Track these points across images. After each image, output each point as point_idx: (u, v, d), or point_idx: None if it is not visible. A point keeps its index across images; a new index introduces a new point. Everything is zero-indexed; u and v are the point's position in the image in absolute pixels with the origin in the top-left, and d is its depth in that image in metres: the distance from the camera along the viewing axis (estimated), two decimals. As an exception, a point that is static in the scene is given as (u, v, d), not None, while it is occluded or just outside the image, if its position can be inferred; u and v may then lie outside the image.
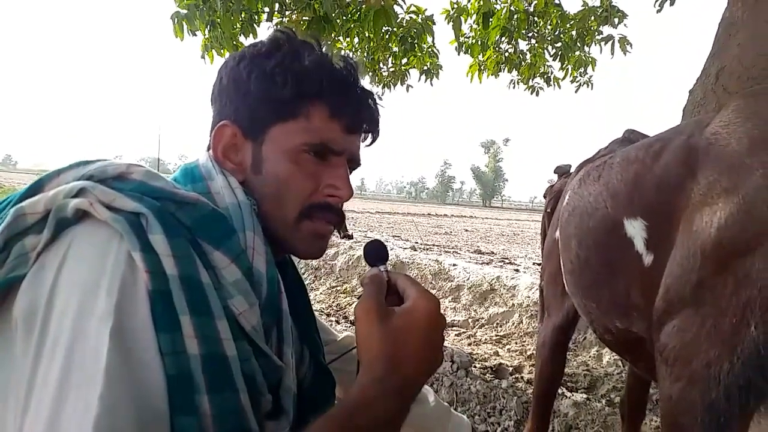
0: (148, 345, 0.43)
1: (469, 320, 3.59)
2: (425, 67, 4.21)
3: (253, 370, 0.52)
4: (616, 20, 3.90)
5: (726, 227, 0.75)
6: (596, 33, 4.04)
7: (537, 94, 4.72)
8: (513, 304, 3.55)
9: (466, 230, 13.14)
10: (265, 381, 0.54)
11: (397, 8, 3.01)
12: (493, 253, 6.95)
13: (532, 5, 3.94)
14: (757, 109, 0.87)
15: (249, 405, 0.50)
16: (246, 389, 0.50)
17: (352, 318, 3.44)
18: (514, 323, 3.41)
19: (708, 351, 0.75)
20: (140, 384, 0.42)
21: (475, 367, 2.61)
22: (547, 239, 1.66)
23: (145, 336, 0.44)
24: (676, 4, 3.39)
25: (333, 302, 4.13)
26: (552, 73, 4.57)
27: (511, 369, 2.66)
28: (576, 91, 4.56)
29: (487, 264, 4.93)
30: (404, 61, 4.11)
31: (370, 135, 0.69)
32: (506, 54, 4.32)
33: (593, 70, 4.43)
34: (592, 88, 4.56)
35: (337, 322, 3.57)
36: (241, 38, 3.32)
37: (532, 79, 4.58)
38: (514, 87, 4.70)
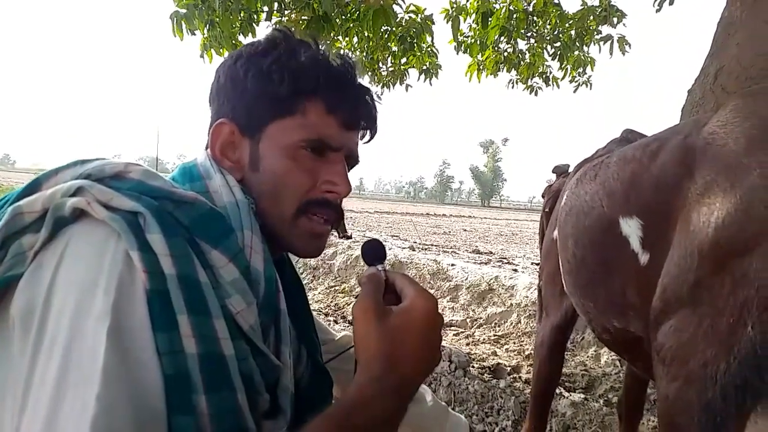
0: (145, 344, 0.43)
1: (467, 320, 3.59)
2: (424, 67, 4.21)
3: (250, 370, 0.52)
4: (615, 20, 3.91)
5: (724, 227, 0.75)
6: (595, 33, 4.04)
7: (536, 94, 4.72)
8: (511, 304, 3.55)
9: (465, 230, 13.15)
10: (262, 380, 0.54)
11: (396, 8, 3.01)
12: (491, 252, 6.96)
13: (531, 5, 3.95)
14: (755, 108, 0.87)
15: (246, 404, 0.50)
16: (243, 388, 0.49)
17: (350, 318, 3.44)
18: (512, 323, 3.41)
19: (705, 351, 0.75)
20: (137, 383, 0.42)
21: (473, 366, 2.61)
22: (545, 239, 1.66)
23: (143, 335, 0.43)
24: (675, 4, 3.40)
25: (331, 302, 4.12)
26: (551, 72, 4.57)
27: (509, 369, 2.66)
28: (575, 91, 4.57)
29: (486, 264, 4.93)
30: (403, 60, 4.11)
31: (368, 132, 0.68)
32: (505, 53, 4.32)
33: (592, 69, 4.43)
34: (590, 88, 4.56)
35: (336, 321, 3.57)
36: (240, 38, 3.31)
37: (531, 79, 4.58)
38: (512, 87, 4.71)
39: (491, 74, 4.41)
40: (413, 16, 3.47)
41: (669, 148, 0.97)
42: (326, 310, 3.90)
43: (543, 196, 2.09)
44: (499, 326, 3.44)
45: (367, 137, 0.69)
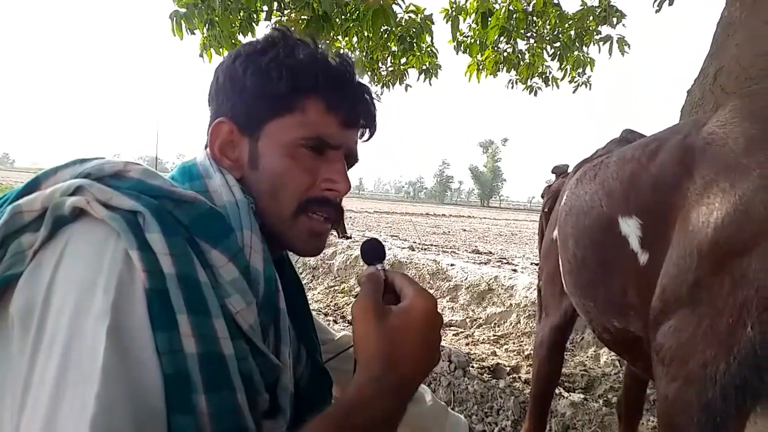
0: (145, 344, 0.43)
1: (467, 320, 3.59)
2: (424, 67, 4.21)
3: (250, 369, 0.52)
4: (615, 20, 3.90)
5: (723, 227, 0.75)
6: (595, 33, 4.04)
7: (535, 94, 4.72)
8: (511, 304, 3.55)
9: (464, 230, 13.15)
10: (262, 380, 0.54)
11: (395, 7, 3.01)
12: (491, 253, 6.96)
13: (531, 5, 3.94)
14: (754, 108, 0.87)
15: (246, 404, 0.50)
16: (243, 388, 0.49)
17: (349, 318, 3.44)
18: (511, 323, 3.41)
19: (704, 351, 0.75)
20: (137, 383, 0.42)
21: (472, 366, 2.61)
22: (544, 239, 1.66)
23: (142, 335, 0.43)
24: (674, 4, 3.40)
25: (331, 302, 4.12)
26: (550, 73, 4.57)
27: (508, 369, 2.66)
28: (574, 91, 4.56)
29: (485, 264, 4.93)
30: (403, 60, 4.11)
31: (367, 130, 0.68)
32: (505, 54, 4.32)
33: (592, 70, 4.43)
34: (590, 88, 4.56)
35: (335, 321, 3.57)
36: (240, 37, 3.32)
37: (531, 79, 4.58)
38: (512, 87, 4.71)
39: (491, 74, 4.41)
40: (413, 16, 3.47)
41: (668, 147, 0.97)
42: (326, 309, 3.89)
43: (542, 197, 2.09)
44: (498, 326, 3.44)
45: (367, 135, 0.69)
